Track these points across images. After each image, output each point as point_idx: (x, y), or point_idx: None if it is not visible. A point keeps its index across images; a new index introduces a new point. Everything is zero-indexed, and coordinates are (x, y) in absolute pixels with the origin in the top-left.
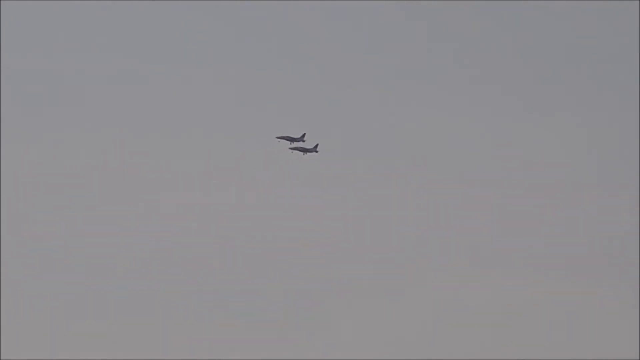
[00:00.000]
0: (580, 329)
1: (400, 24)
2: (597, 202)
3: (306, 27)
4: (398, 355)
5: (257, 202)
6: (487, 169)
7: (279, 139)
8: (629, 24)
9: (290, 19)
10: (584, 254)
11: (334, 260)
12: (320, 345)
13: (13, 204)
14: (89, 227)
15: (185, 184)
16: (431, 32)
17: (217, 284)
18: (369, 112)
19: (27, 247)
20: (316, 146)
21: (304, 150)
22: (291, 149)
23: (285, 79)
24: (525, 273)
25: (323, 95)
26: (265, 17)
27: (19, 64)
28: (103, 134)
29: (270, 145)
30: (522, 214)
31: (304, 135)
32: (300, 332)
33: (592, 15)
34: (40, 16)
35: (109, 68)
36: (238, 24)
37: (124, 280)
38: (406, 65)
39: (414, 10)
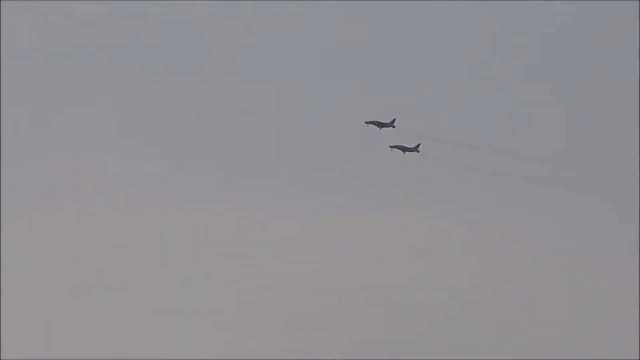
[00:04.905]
0: (579, 328)
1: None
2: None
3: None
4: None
5: None
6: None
7: (368, 124)
8: (629, 24)
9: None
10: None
11: None
12: None
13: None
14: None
15: None
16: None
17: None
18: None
19: (27, 248)
20: (418, 146)
21: (405, 149)
22: (391, 146)
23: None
24: (525, 272)
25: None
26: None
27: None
28: None
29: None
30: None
31: (393, 120)
32: None
33: (592, 16)
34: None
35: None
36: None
37: (124, 278)
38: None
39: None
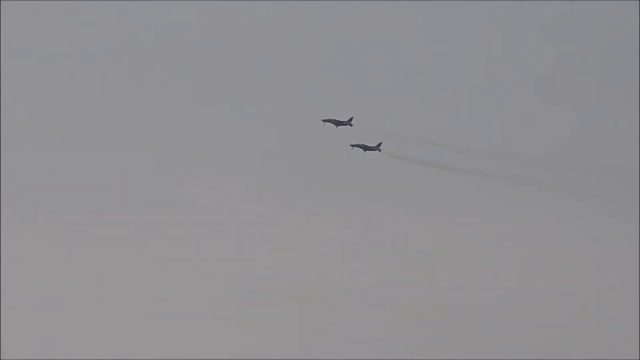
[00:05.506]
0: (579, 328)
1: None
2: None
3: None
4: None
5: None
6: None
7: (324, 122)
8: (629, 24)
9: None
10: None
11: None
12: None
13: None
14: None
15: None
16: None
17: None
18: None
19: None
20: (379, 145)
21: (365, 148)
22: (352, 145)
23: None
24: (525, 270)
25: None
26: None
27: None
28: None
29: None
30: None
31: (351, 119)
32: None
33: (592, 16)
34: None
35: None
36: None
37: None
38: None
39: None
